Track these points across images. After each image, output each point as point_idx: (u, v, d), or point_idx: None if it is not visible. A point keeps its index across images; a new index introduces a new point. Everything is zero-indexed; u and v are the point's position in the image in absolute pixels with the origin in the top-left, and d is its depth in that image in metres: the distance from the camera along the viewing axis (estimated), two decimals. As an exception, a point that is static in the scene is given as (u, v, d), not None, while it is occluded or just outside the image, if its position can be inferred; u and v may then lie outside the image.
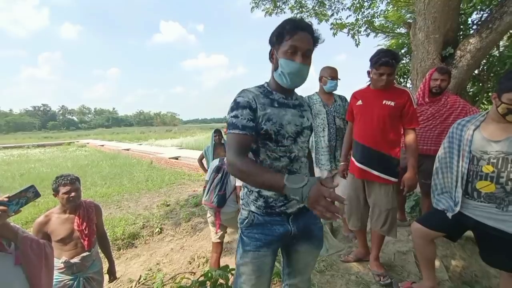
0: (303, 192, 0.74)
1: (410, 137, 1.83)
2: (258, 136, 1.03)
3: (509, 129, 1.37)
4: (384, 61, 1.70)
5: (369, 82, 1.94)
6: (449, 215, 1.54)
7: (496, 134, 1.40)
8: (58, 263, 1.62)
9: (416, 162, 1.82)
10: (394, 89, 1.84)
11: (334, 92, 2.43)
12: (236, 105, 1.01)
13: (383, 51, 1.74)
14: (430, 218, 1.71)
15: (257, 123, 1.01)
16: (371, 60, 1.79)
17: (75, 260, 1.66)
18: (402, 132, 1.91)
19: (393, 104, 1.78)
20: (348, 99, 2.22)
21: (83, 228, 1.71)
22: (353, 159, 1.99)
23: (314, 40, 1.04)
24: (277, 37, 1.02)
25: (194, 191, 5.63)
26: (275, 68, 1.05)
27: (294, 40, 0.98)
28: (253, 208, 1.11)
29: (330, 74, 2.33)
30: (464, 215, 1.52)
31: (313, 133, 1.25)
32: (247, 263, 1.08)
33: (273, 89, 1.10)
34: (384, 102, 1.80)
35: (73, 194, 1.67)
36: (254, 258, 1.07)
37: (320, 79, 2.40)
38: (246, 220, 1.12)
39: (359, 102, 1.94)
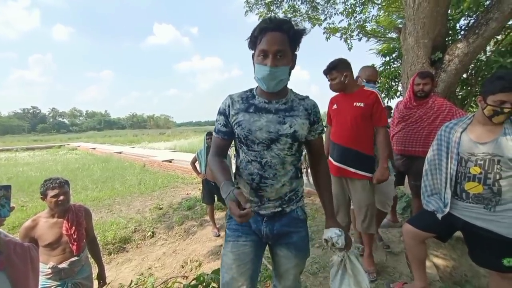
0: (226, 200, 0.91)
1: (380, 135, 1.93)
2: (235, 139, 1.12)
3: (495, 131, 1.40)
4: (324, 70, 1.99)
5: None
6: (439, 216, 1.57)
7: (483, 136, 1.43)
8: (45, 268, 1.57)
9: (386, 158, 1.90)
10: (363, 91, 1.96)
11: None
12: (218, 111, 1.14)
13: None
14: (420, 219, 1.73)
15: (231, 128, 1.11)
16: None
17: (63, 265, 1.61)
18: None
19: (362, 105, 1.90)
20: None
21: (72, 232, 1.66)
22: (330, 158, 2.11)
23: (292, 36, 0.98)
24: (251, 44, 1.03)
25: (187, 194, 5.57)
26: (254, 73, 1.06)
27: (263, 43, 0.97)
28: None
29: (367, 76, 2.22)
30: (453, 215, 1.54)
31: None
32: (228, 252, 1.12)
33: (258, 93, 1.10)
34: (354, 104, 1.92)
35: (61, 197, 1.63)
36: (233, 247, 1.11)
37: (356, 79, 2.31)
38: (227, 213, 1.19)
39: (335, 106, 2.07)
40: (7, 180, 7.95)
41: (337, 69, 1.93)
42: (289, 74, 1.06)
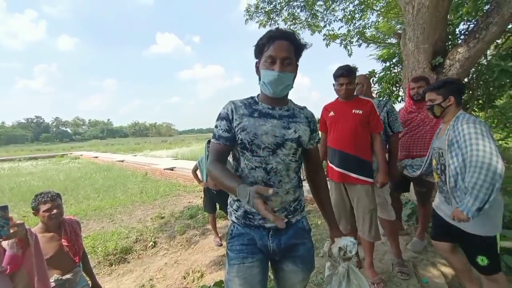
0: (250, 203, 0.82)
1: (377, 141, 2.01)
2: (237, 145, 1.07)
3: (445, 129, 1.58)
4: (339, 73, 1.93)
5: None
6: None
7: (440, 132, 1.68)
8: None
9: (384, 162, 2.02)
10: (359, 100, 2.04)
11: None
12: (218, 117, 1.10)
13: (340, 66, 1.96)
14: (434, 231, 1.76)
15: (234, 133, 1.06)
16: (333, 75, 2.01)
17: (68, 276, 1.63)
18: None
19: (361, 112, 1.96)
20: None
21: (73, 244, 1.68)
22: (331, 165, 2.10)
23: (297, 47, 1.04)
24: (258, 50, 1.06)
25: (189, 202, 5.53)
26: (259, 79, 1.08)
27: (271, 50, 1.01)
28: (233, 218, 1.12)
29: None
30: (441, 217, 1.66)
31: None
32: (234, 278, 1.03)
33: (261, 100, 1.12)
34: (353, 111, 1.98)
35: (55, 211, 1.62)
36: (240, 272, 1.03)
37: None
38: (229, 233, 1.13)
39: (331, 113, 2.08)
40: (10, 190, 7.95)
41: (354, 75, 1.98)
42: (293, 82, 1.09)
